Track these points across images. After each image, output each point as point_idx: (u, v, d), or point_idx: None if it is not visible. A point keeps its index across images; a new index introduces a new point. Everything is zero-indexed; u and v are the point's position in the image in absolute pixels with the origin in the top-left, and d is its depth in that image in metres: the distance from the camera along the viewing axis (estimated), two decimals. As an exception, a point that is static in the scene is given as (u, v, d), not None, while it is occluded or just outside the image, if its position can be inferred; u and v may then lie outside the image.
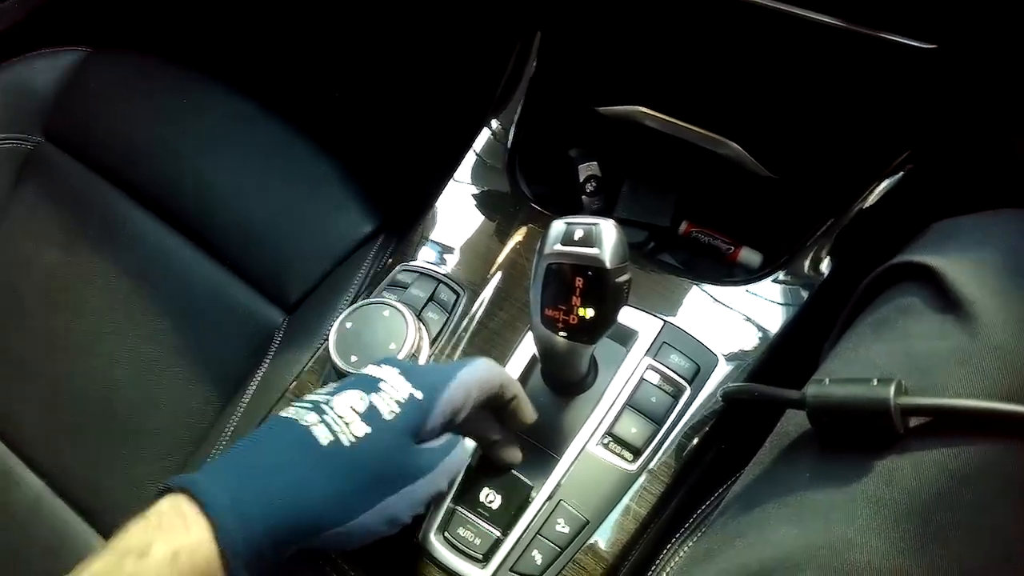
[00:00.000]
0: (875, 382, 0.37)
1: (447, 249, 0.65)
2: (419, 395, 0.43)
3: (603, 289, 0.44)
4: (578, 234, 0.43)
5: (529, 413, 0.50)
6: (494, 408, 0.49)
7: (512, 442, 0.51)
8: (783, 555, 0.36)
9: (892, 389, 0.36)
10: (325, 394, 0.43)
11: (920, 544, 0.34)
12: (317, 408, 0.42)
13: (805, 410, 0.40)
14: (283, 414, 0.42)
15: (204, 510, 0.37)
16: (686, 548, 0.50)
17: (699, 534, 0.50)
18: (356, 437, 0.40)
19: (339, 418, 0.41)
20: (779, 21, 0.54)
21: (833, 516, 0.36)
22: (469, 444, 0.52)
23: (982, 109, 0.57)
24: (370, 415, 0.41)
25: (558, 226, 0.44)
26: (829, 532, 0.36)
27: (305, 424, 0.41)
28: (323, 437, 0.40)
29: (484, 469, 0.52)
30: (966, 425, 0.36)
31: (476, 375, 0.46)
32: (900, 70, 0.53)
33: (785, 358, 0.57)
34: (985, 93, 0.55)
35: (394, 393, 0.43)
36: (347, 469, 0.40)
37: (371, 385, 0.43)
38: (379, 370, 0.45)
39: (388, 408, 0.42)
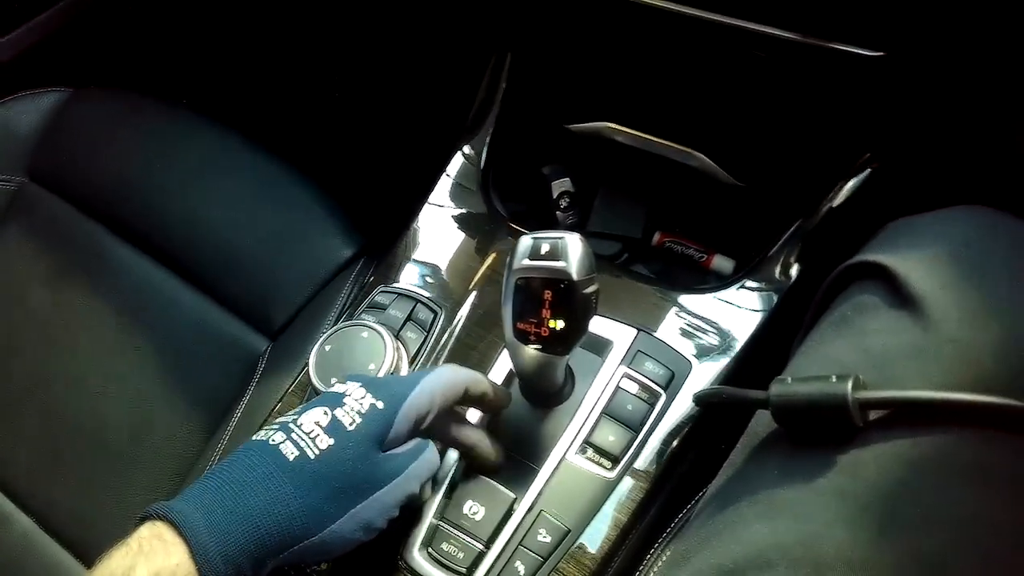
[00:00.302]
0: (834, 378, 0.38)
1: (426, 269, 0.66)
2: (380, 404, 0.45)
3: (572, 301, 0.45)
4: (544, 248, 0.44)
5: (504, 398, 0.52)
6: (472, 406, 0.51)
7: (489, 441, 0.52)
8: (755, 553, 0.37)
9: (850, 384, 0.37)
10: (292, 414, 0.45)
11: (884, 533, 0.35)
12: (284, 428, 0.44)
13: (769, 409, 0.41)
14: (254, 437, 0.44)
15: (181, 533, 0.38)
16: (668, 552, 0.51)
17: (676, 543, 0.51)
18: (320, 449, 0.42)
19: (304, 434, 0.43)
20: (736, 36, 0.55)
21: (801, 511, 0.37)
22: (451, 456, 0.53)
23: (938, 110, 0.58)
24: (333, 427, 0.43)
25: (525, 241, 0.45)
26: (798, 527, 0.37)
27: (273, 443, 0.43)
28: (289, 453, 0.42)
29: (466, 482, 0.53)
30: (923, 416, 0.37)
31: (439, 380, 0.47)
32: (853, 77, 0.54)
33: (758, 360, 0.58)
34: (939, 95, 0.57)
35: (356, 405, 0.44)
36: (314, 480, 0.42)
37: (335, 400, 0.45)
38: (344, 386, 0.46)
39: (350, 419, 0.44)
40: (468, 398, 0.50)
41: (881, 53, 0.50)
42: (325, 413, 0.44)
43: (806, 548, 0.36)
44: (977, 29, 0.49)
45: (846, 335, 0.42)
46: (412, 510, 0.52)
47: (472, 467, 0.53)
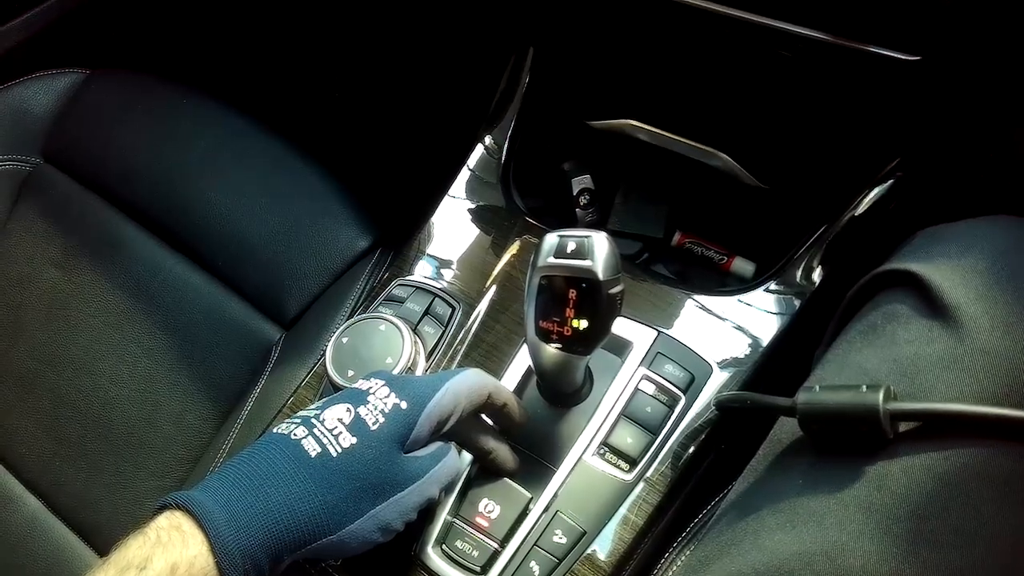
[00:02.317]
0: (864, 388, 0.37)
1: (443, 263, 0.65)
2: (404, 405, 0.44)
3: (596, 300, 0.44)
4: (570, 246, 0.44)
5: (522, 415, 0.51)
6: (488, 415, 0.50)
7: (506, 449, 0.52)
8: (778, 563, 0.36)
9: (881, 395, 0.36)
10: (315, 409, 0.45)
11: (912, 548, 0.34)
12: (307, 423, 0.43)
13: (796, 417, 0.40)
14: (275, 430, 0.44)
15: (200, 524, 0.38)
16: (683, 557, 0.51)
17: (696, 542, 0.50)
18: (342, 448, 0.42)
19: (327, 431, 0.42)
20: (766, 35, 0.55)
21: (826, 522, 0.37)
22: (466, 456, 0.52)
23: (971, 117, 0.58)
24: (356, 426, 0.43)
25: (551, 239, 0.45)
26: (822, 538, 0.36)
27: (295, 438, 0.42)
28: (311, 449, 0.42)
29: (482, 481, 0.53)
30: (954, 429, 0.36)
31: (464, 384, 0.47)
32: (886, 81, 0.53)
33: (779, 366, 0.57)
34: (973, 102, 0.56)
35: (380, 404, 0.44)
36: (335, 479, 0.41)
37: (359, 398, 0.44)
38: (367, 383, 0.46)
39: (374, 419, 0.43)
40: (489, 405, 0.49)
41: (917, 57, 0.49)
42: (348, 410, 0.43)
43: (830, 560, 0.35)
44: (1015, 36, 0.48)
45: (876, 344, 0.42)
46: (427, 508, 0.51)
47: (487, 471, 0.53)
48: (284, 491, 0.40)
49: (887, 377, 0.39)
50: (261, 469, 0.41)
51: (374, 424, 0.43)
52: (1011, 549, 0.34)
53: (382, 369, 0.53)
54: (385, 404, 0.44)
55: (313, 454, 0.42)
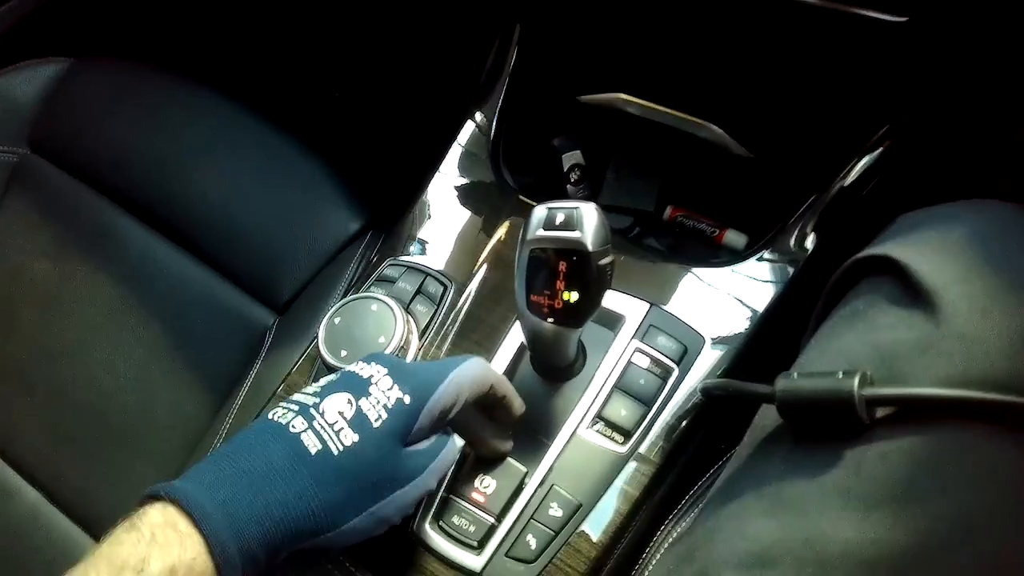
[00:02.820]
0: (840, 374, 0.37)
1: (435, 243, 0.65)
2: (407, 400, 0.43)
3: (587, 272, 0.44)
4: (559, 218, 0.44)
5: (518, 406, 0.51)
6: (486, 406, 0.50)
7: (502, 436, 0.52)
8: (760, 549, 0.37)
9: (856, 381, 0.36)
10: (312, 395, 0.43)
11: (890, 533, 0.34)
12: (305, 413, 0.42)
13: (775, 404, 0.40)
14: (270, 416, 0.42)
15: (198, 525, 0.37)
16: (679, 530, 0.51)
17: (687, 522, 0.51)
18: (344, 446, 0.41)
19: (327, 425, 0.41)
20: (750, 1, 0.54)
21: (806, 508, 0.37)
22: (459, 440, 0.52)
23: (960, 85, 0.57)
24: (358, 422, 0.42)
25: (540, 211, 0.44)
26: (803, 525, 0.36)
27: (294, 431, 0.41)
28: (312, 445, 0.40)
29: (478, 456, 0.53)
30: (931, 413, 0.36)
31: (467, 375, 0.46)
32: (874, 44, 0.53)
33: (771, 338, 0.57)
34: (962, 68, 0.55)
35: (382, 397, 0.43)
36: (336, 477, 0.40)
37: (360, 387, 0.43)
38: (368, 368, 0.45)
39: (376, 414, 0.42)
40: (489, 396, 0.48)
41: (904, 18, 0.49)
42: (349, 403, 0.42)
43: (809, 546, 0.35)
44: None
45: (857, 329, 0.42)
46: None
47: (480, 457, 0.52)
48: (283, 489, 0.39)
49: (867, 362, 0.39)
50: (259, 465, 0.39)
51: (377, 420, 0.42)
52: (988, 532, 0.34)
53: (378, 351, 0.52)
54: (388, 398, 0.43)
55: (313, 451, 0.40)
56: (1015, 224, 0.42)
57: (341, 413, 0.42)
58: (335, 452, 0.40)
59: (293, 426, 0.41)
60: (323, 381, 0.45)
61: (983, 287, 0.38)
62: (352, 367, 0.45)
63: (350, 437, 0.41)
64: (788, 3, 0.52)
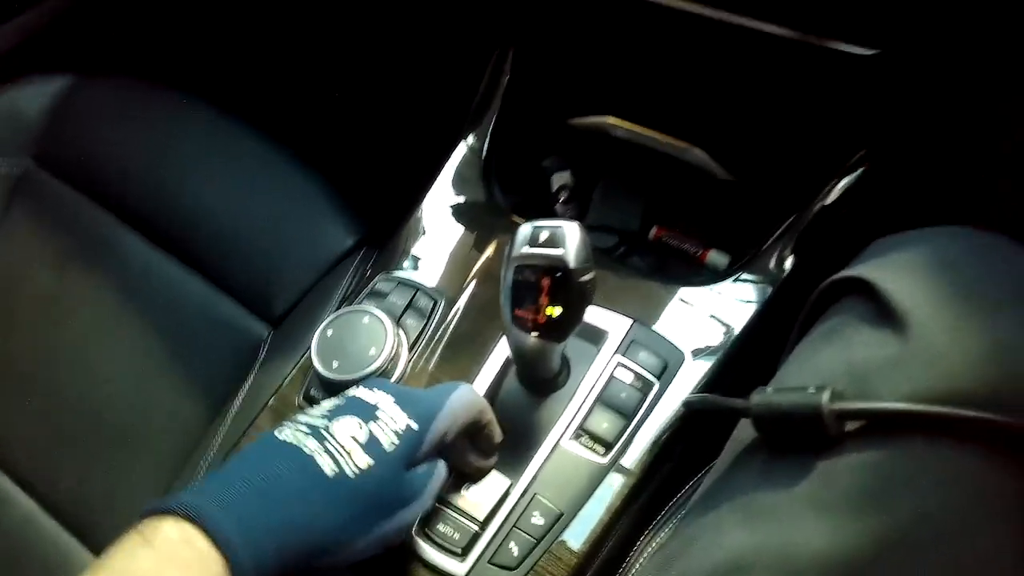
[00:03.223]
0: (812, 389, 0.39)
1: (426, 258, 0.67)
2: (415, 426, 0.45)
3: (569, 288, 0.46)
4: (543, 236, 0.46)
5: (498, 435, 0.53)
6: (470, 433, 0.51)
7: (483, 460, 0.54)
8: (733, 558, 0.38)
9: (826, 395, 0.38)
10: (321, 417, 0.45)
11: (858, 538, 0.36)
12: (317, 434, 0.43)
13: (750, 418, 0.42)
14: (282, 437, 0.43)
15: (218, 546, 0.37)
16: (658, 539, 0.52)
17: (667, 530, 0.52)
18: (359, 469, 0.42)
19: (341, 447, 0.42)
20: (733, 33, 0.56)
21: (779, 518, 0.38)
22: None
23: (936, 112, 0.60)
24: (372, 446, 0.43)
25: (524, 229, 0.46)
26: (776, 534, 0.38)
27: (309, 452, 0.42)
28: (328, 467, 0.41)
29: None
30: (898, 427, 0.37)
31: (461, 401, 0.48)
32: (848, 74, 0.55)
33: (751, 355, 0.59)
34: (936, 96, 0.58)
35: (392, 424, 0.45)
36: (350, 499, 0.42)
37: (368, 412, 0.45)
38: (373, 395, 0.47)
39: (389, 440, 0.44)
40: (476, 423, 0.51)
41: (875, 51, 0.51)
42: (360, 426, 0.44)
43: (781, 555, 0.37)
44: (967, 29, 0.50)
45: (833, 346, 0.43)
46: None
47: (460, 475, 0.54)
48: (300, 511, 0.40)
49: (840, 378, 0.40)
50: (276, 485, 0.40)
51: (390, 446, 0.43)
52: (952, 537, 0.36)
53: (369, 363, 0.55)
54: (397, 424, 0.44)
55: (330, 473, 0.41)
56: (982, 249, 0.44)
57: (354, 437, 0.43)
58: (351, 475, 0.42)
59: (307, 447, 0.42)
60: (329, 404, 0.46)
61: (950, 308, 0.40)
62: (356, 392, 0.47)
63: (365, 460, 0.42)
64: (765, 36, 0.54)
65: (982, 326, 0.38)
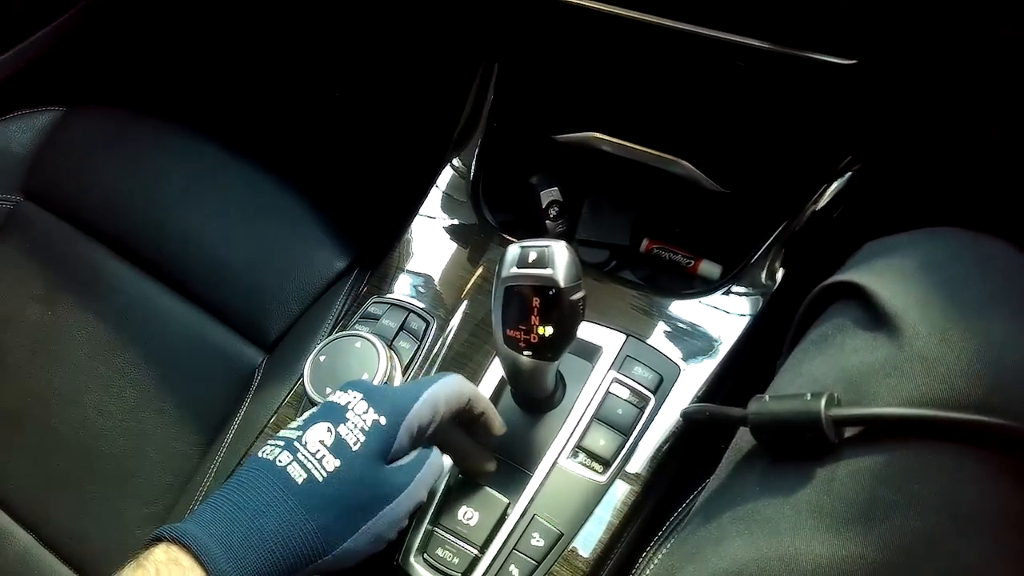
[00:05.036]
0: (808, 396, 0.39)
1: (418, 280, 0.67)
2: (383, 420, 0.45)
3: (559, 307, 0.46)
4: (532, 256, 0.46)
5: (498, 425, 0.53)
6: (464, 422, 0.51)
7: (484, 452, 0.53)
8: (736, 569, 0.38)
9: (823, 402, 0.38)
10: (296, 429, 0.45)
11: (860, 548, 0.36)
12: (289, 446, 0.44)
13: (748, 427, 0.42)
14: (259, 455, 0.45)
15: (199, 560, 0.39)
16: (659, 556, 0.52)
17: (669, 544, 0.52)
18: (327, 472, 0.43)
19: (311, 454, 0.43)
20: (716, 47, 0.57)
21: (780, 527, 0.38)
22: (447, 460, 0.54)
23: (919, 118, 0.60)
24: (338, 447, 0.44)
25: (513, 250, 0.46)
26: (777, 543, 0.38)
27: (280, 465, 0.43)
28: (298, 476, 0.43)
29: (460, 489, 0.54)
30: (895, 432, 0.37)
31: (443, 391, 0.48)
32: (829, 84, 0.56)
33: (746, 364, 0.59)
34: (918, 102, 0.58)
35: (359, 421, 0.45)
36: (324, 502, 0.42)
37: (338, 415, 0.45)
38: (344, 395, 0.47)
39: (354, 438, 0.44)
40: (467, 412, 0.50)
41: (853, 61, 0.52)
42: (328, 431, 0.44)
43: (784, 564, 0.37)
44: (942, 38, 0.51)
45: (826, 353, 0.43)
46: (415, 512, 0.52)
47: (465, 475, 0.54)
48: (276, 520, 0.41)
49: (835, 384, 0.40)
50: (251, 500, 0.42)
51: (355, 444, 0.44)
52: (952, 546, 0.36)
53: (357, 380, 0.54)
54: (364, 421, 0.45)
55: (300, 480, 0.42)
56: (971, 250, 0.44)
57: (322, 442, 0.44)
58: (320, 479, 0.43)
59: (280, 460, 0.43)
60: (306, 415, 0.47)
61: (941, 310, 0.40)
62: (331, 396, 0.48)
63: (332, 463, 0.43)
64: (746, 48, 0.55)
65: (972, 327, 0.39)
